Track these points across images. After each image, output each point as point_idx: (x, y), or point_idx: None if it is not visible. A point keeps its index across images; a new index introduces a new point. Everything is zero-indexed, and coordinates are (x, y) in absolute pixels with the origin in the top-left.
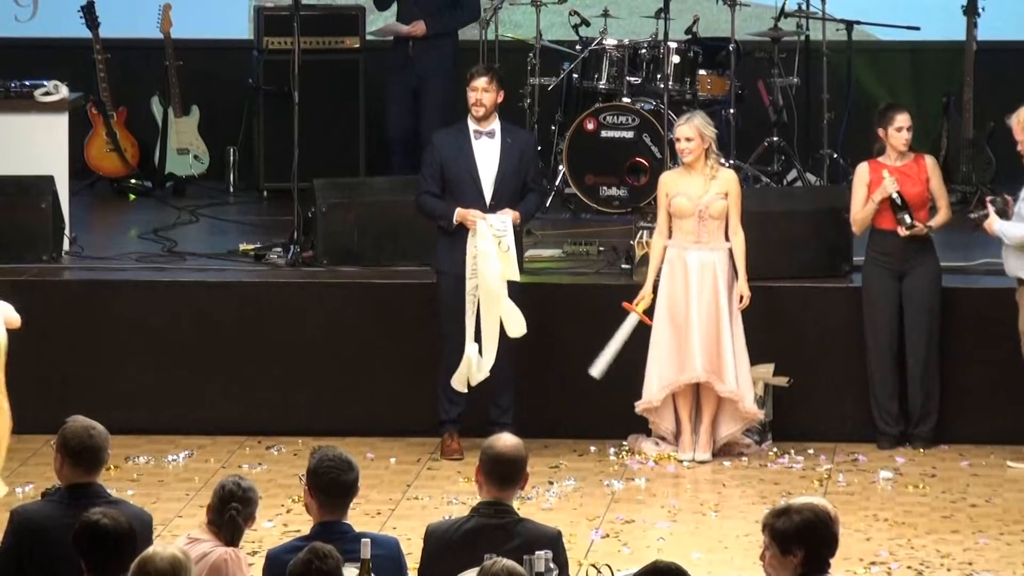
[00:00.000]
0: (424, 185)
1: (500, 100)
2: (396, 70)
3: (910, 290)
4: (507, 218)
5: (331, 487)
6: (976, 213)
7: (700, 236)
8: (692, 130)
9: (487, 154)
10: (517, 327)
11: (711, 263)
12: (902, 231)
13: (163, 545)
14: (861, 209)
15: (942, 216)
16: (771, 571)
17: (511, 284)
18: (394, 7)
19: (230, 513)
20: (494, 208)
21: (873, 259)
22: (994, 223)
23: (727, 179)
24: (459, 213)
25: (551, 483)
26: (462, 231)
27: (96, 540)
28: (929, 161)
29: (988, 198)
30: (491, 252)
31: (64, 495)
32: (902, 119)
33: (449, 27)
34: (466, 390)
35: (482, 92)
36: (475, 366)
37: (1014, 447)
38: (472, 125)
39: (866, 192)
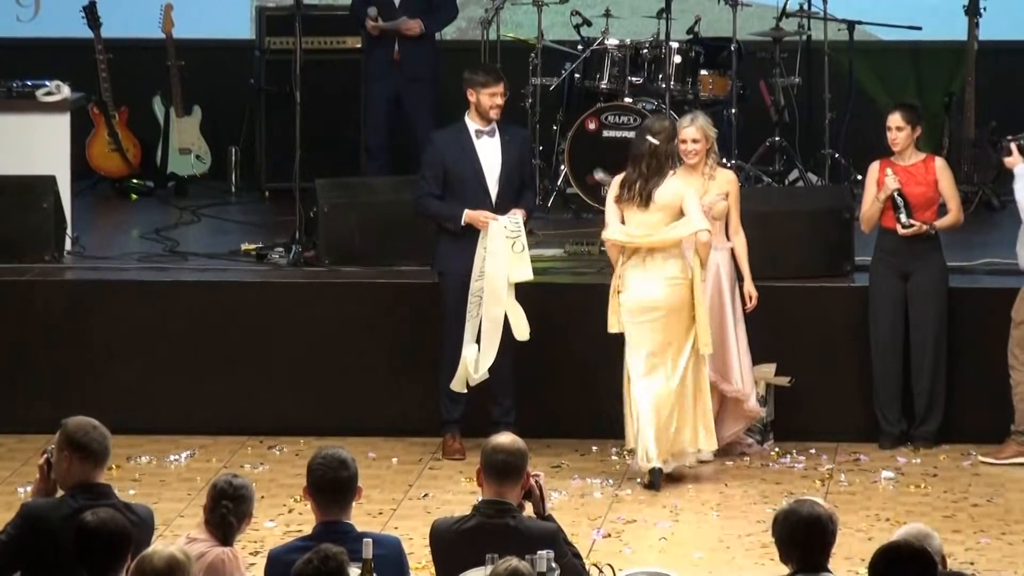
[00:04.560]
0: (426, 187)
1: None
2: (379, 76)
3: (915, 290)
4: (519, 218)
5: (323, 485)
6: (1003, 142)
7: None
8: (698, 131)
9: (490, 153)
10: (523, 330)
11: (714, 263)
12: (899, 229)
13: (163, 545)
14: (868, 207)
15: (950, 218)
16: None
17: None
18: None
19: (221, 512)
20: (499, 206)
21: (879, 258)
22: (1016, 163)
23: (727, 179)
24: (468, 215)
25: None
26: (468, 232)
27: (85, 540)
28: (939, 163)
29: (1009, 137)
30: (500, 253)
31: (74, 494)
32: (891, 119)
33: (436, 28)
34: (465, 391)
35: (500, 97)
36: (472, 368)
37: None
38: (473, 125)
39: (875, 190)
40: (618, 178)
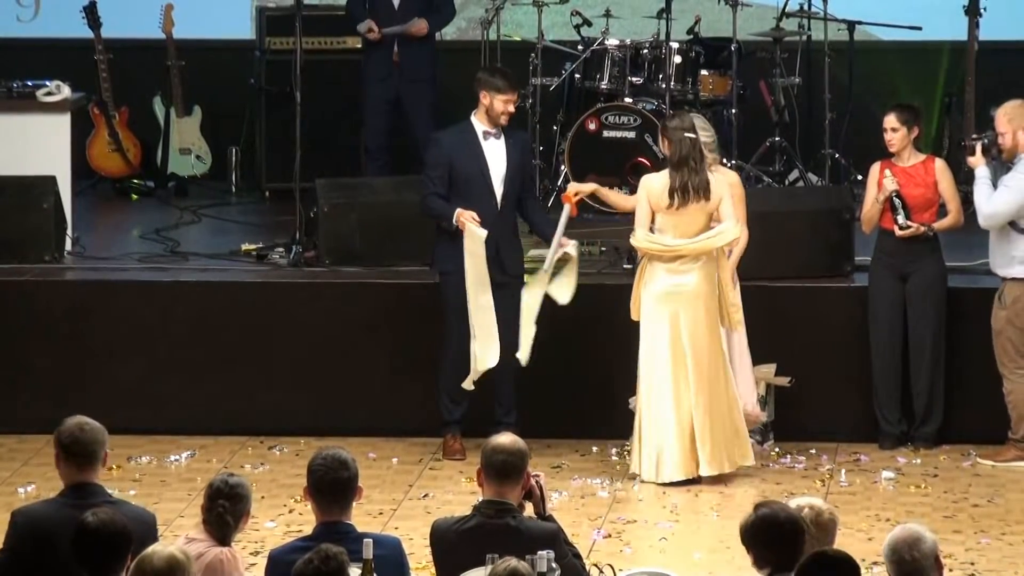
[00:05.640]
0: (432, 186)
1: None
2: (379, 78)
3: (914, 290)
4: (572, 248)
5: (323, 485)
6: (968, 141)
7: None
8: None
9: (496, 154)
10: (524, 356)
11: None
12: (897, 231)
13: (163, 544)
14: (869, 208)
15: (950, 219)
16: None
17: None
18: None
19: (217, 511)
20: (504, 206)
21: (878, 259)
22: (977, 164)
23: (728, 180)
24: (458, 213)
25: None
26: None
27: (85, 540)
28: (939, 164)
29: (974, 136)
30: (477, 253)
31: (65, 495)
32: (887, 120)
33: (437, 28)
34: (473, 387)
35: (513, 104)
36: (477, 362)
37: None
38: (480, 126)
39: (876, 191)
40: (653, 179)
